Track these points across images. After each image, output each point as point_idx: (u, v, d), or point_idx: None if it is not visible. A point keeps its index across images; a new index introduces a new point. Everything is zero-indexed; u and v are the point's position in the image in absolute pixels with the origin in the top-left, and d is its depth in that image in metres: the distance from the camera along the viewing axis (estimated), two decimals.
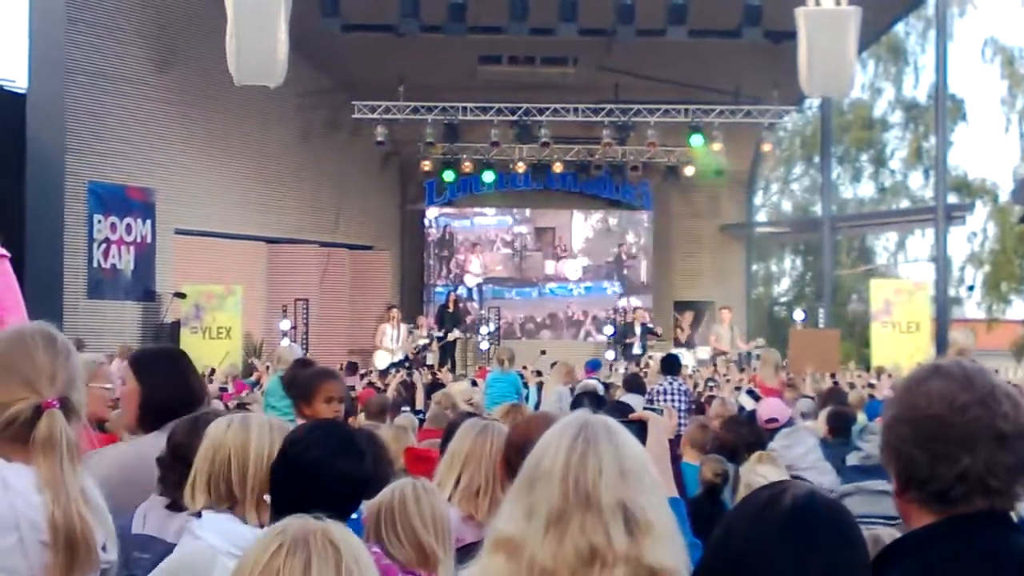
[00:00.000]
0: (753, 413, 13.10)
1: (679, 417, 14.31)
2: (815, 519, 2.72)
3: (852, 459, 8.45)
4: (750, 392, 15.21)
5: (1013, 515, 2.97)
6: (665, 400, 15.39)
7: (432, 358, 29.75)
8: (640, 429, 3.61)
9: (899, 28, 40.45)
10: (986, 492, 2.89)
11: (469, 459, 5.49)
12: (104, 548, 3.71)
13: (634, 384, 15.71)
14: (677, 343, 31.14)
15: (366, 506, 4.42)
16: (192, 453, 4.46)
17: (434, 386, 17.61)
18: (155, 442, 5.10)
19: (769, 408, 11.79)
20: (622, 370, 24.38)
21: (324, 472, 4.02)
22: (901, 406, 3.03)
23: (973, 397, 2.92)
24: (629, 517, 2.83)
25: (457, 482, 5.48)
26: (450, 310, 32.09)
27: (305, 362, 8.56)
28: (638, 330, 30.72)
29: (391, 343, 29.45)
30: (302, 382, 7.63)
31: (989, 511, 2.91)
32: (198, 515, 4.23)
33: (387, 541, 4.45)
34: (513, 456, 4.28)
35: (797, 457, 10.55)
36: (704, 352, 30.35)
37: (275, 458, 4.17)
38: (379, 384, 20.42)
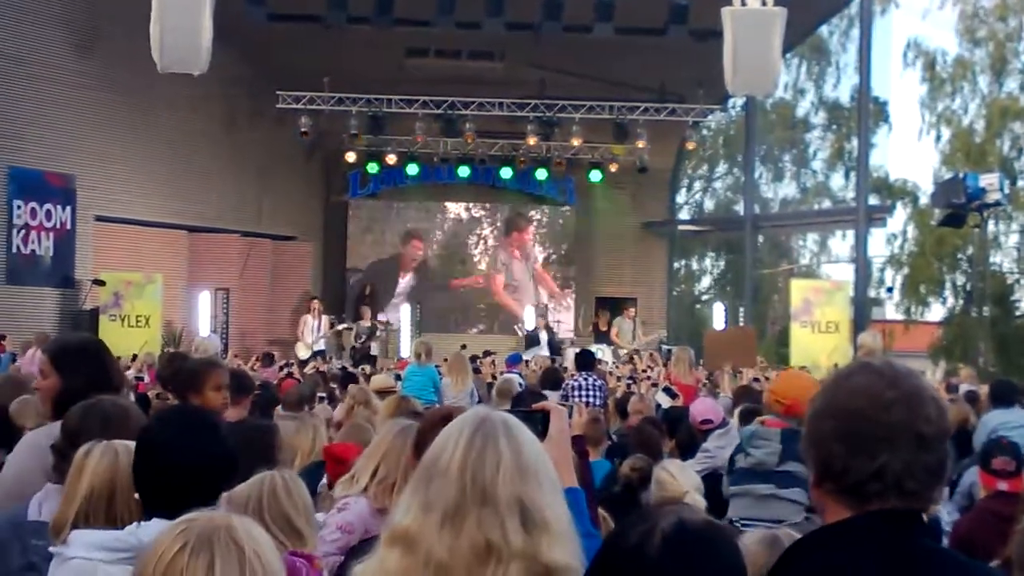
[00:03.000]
0: (668, 411, 13.14)
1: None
2: (687, 553, 2.64)
3: (742, 462, 8.46)
4: (667, 390, 15.21)
5: (924, 516, 2.99)
6: (579, 396, 15.39)
7: (376, 348, 29.80)
8: (544, 419, 3.62)
9: (822, 27, 40.69)
10: (901, 492, 2.90)
11: (388, 454, 5.54)
12: None
13: (550, 379, 15.72)
14: (598, 339, 31.11)
15: (225, 497, 4.40)
16: (87, 439, 4.43)
17: (347, 379, 17.51)
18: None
19: (703, 408, 11.81)
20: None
21: (180, 456, 4.00)
22: (825, 399, 3.03)
23: (898, 395, 2.92)
24: (526, 514, 2.84)
25: (374, 475, 5.53)
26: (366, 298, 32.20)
27: (180, 355, 8.57)
28: (543, 337, 30.66)
29: (312, 334, 29.42)
30: (188, 372, 7.62)
31: (901, 510, 2.91)
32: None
33: None
34: (422, 449, 4.29)
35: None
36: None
37: (134, 453, 4.15)
38: (298, 375, 20.38)
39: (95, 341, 6.12)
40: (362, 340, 30.00)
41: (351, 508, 5.58)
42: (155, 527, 3.84)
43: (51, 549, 4.15)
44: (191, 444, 4.03)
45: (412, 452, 4.76)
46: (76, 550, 3.96)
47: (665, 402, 14.23)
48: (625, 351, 28.47)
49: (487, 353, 26.43)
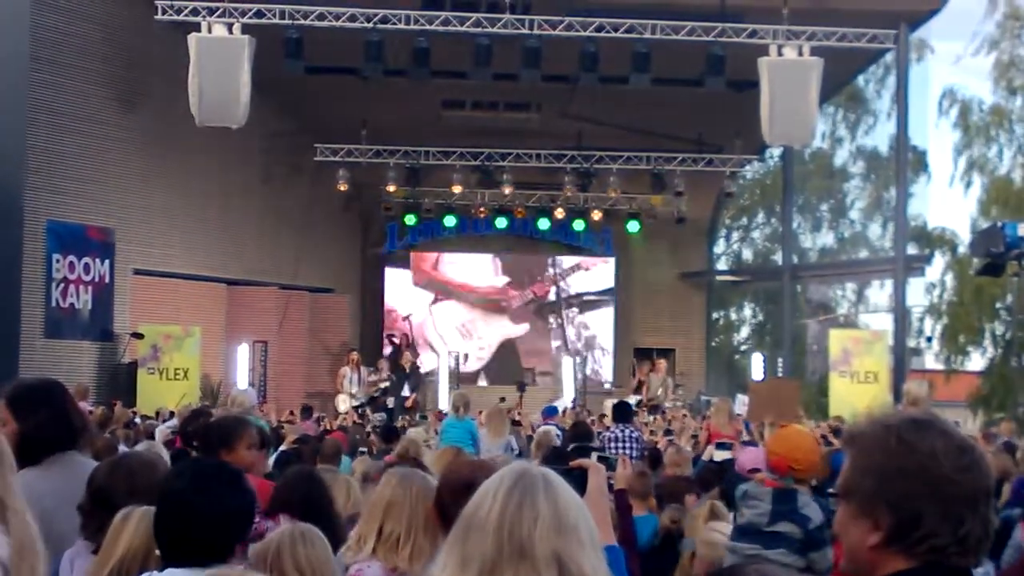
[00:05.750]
0: (722, 462, 13.03)
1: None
2: None
3: (738, 520, 8.31)
4: (720, 444, 15.05)
5: None
6: (617, 447, 15.30)
7: (394, 402, 29.70)
8: (582, 475, 3.60)
9: (858, 76, 40.58)
10: (980, 551, 2.86)
11: (389, 508, 5.40)
12: None
13: (581, 433, 15.60)
14: (636, 390, 30.95)
15: (252, 551, 4.39)
16: (114, 496, 4.42)
17: (387, 432, 17.49)
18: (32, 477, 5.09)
19: (751, 458, 11.67)
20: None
21: (196, 509, 3.98)
22: (899, 458, 2.88)
23: (972, 457, 2.87)
24: (564, 570, 2.79)
25: (380, 534, 5.40)
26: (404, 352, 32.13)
27: (204, 411, 8.46)
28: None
29: (351, 386, 29.40)
30: (222, 429, 7.50)
31: (957, 568, 2.85)
32: None
33: None
34: (447, 500, 4.25)
35: None
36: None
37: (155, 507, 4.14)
38: (331, 427, 20.39)
39: (51, 383, 5.95)
40: (379, 393, 29.90)
41: (365, 575, 5.43)
42: None
43: None
44: (208, 497, 4.01)
45: (435, 504, 4.66)
46: None
47: (720, 457, 14.09)
48: (647, 402, 28.36)
49: (501, 400, 26.24)
